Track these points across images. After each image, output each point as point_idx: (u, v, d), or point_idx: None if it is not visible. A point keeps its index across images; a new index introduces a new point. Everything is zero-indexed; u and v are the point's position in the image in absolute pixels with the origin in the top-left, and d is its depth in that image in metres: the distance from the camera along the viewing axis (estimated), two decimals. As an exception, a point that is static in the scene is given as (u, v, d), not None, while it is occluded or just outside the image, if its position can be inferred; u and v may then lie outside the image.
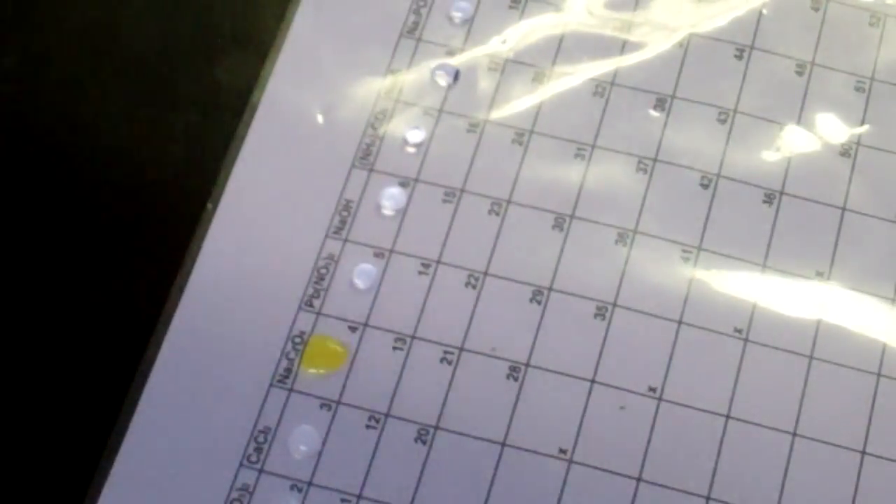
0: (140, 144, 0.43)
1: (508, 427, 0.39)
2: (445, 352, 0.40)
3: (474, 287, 0.40)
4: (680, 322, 0.40)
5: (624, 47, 0.44)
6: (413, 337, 0.40)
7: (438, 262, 0.41)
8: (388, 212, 0.42)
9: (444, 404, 0.39)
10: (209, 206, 0.41)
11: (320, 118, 0.43)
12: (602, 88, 0.44)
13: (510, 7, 0.44)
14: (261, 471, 0.38)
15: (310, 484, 0.38)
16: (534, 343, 0.40)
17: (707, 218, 0.41)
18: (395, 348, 0.40)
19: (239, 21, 0.45)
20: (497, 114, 0.43)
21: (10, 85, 0.45)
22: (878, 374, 0.39)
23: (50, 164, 0.43)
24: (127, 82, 0.44)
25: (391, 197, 0.42)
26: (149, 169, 0.43)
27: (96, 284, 0.41)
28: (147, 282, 0.41)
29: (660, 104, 0.43)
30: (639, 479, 0.38)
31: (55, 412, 0.40)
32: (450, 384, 0.39)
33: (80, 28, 0.45)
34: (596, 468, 0.38)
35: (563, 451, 0.38)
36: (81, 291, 0.41)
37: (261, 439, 0.39)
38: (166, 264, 0.41)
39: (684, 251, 0.41)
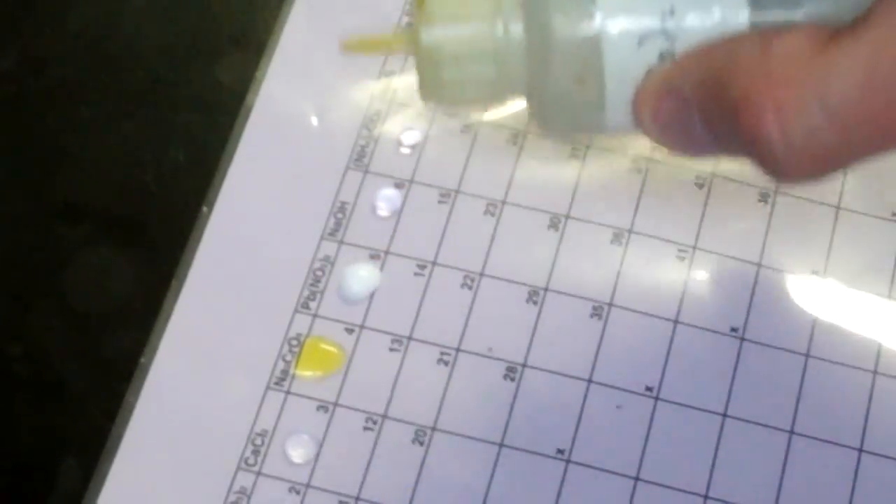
0: (140, 144, 0.43)
1: (506, 428, 0.39)
2: (442, 353, 0.40)
3: (470, 288, 0.40)
4: (676, 321, 0.40)
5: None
6: (409, 338, 0.40)
7: (434, 263, 0.41)
8: (383, 213, 0.41)
9: (441, 405, 0.39)
10: (204, 209, 0.41)
11: (315, 120, 0.43)
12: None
13: (503, 7, 0.44)
14: (258, 473, 0.38)
15: (308, 486, 0.38)
16: (530, 343, 0.40)
17: (702, 217, 0.41)
18: (391, 350, 0.40)
19: (238, 21, 0.45)
20: (491, 115, 0.43)
21: (10, 85, 0.45)
22: (875, 372, 0.39)
23: (50, 163, 0.43)
24: (127, 82, 0.44)
25: (386, 198, 0.42)
26: (149, 169, 0.43)
27: (95, 284, 0.41)
28: (144, 283, 0.41)
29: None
30: (636, 479, 0.38)
31: (51, 415, 0.40)
32: (447, 385, 0.39)
33: (80, 28, 0.45)
34: (593, 468, 0.38)
35: (560, 451, 0.38)
36: (80, 291, 0.41)
37: (258, 442, 0.39)
38: (164, 265, 0.41)
39: (680, 250, 0.41)
